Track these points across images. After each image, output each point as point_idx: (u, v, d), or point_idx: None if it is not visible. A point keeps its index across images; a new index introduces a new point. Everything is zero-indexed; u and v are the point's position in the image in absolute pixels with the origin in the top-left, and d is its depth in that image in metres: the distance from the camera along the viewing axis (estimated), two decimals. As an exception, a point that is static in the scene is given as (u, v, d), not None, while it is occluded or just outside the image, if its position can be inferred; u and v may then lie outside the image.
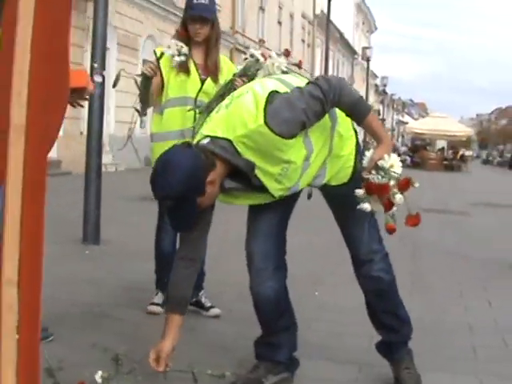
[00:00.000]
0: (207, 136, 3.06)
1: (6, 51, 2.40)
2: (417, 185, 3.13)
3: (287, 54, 3.61)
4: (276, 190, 3.15)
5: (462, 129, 43.74)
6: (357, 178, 3.19)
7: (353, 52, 57.25)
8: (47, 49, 2.35)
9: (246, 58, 3.59)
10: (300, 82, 3.23)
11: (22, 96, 2.38)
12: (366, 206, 3.08)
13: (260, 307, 3.43)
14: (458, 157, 40.45)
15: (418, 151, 40.76)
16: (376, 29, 73.96)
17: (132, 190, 12.77)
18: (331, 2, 24.17)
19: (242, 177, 3.10)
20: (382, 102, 71.29)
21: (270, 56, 3.52)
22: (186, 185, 2.89)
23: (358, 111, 3.13)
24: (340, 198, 3.36)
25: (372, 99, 57.58)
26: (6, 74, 2.40)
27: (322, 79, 3.11)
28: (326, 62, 25.34)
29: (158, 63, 4.40)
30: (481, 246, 8.77)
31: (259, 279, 3.37)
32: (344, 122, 3.29)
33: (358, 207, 3.09)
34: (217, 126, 3.06)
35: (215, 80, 4.41)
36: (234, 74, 3.79)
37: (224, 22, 27.86)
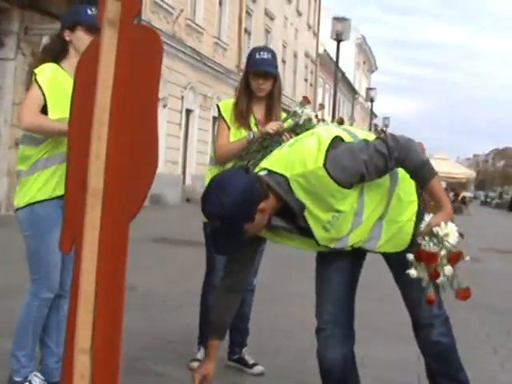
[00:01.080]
0: (265, 169, 3.07)
1: (85, 111, 2.34)
2: (467, 258, 3.08)
3: (342, 121, 3.61)
4: (322, 237, 3.12)
5: (462, 170, 43.82)
6: (416, 245, 3.14)
7: (354, 91, 57.53)
8: (131, 112, 2.30)
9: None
10: (367, 135, 3.23)
11: (100, 160, 2.32)
12: (413, 272, 3.08)
13: (326, 371, 3.38)
14: (460, 199, 40.40)
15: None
16: (376, 68, 74.44)
17: (141, 231, 12.47)
18: (336, 43, 24.25)
19: (290, 217, 3.08)
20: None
21: (323, 120, 3.52)
22: (237, 206, 2.84)
23: (422, 174, 3.10)
24: (400, 264, 3.25)
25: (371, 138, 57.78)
26: (84, 137, 2.34)
27: (390, 136, 3.09)
28: (334, 101, 25.48)
29: (223, 117, 4.34)
30: (505, 297, 8.66)
31: (327, 344, 3.33)
32: (407, 187, 3.23)
33: (406, 272, 3.07)
34: (276, 161, 3.08)
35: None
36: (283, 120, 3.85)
37: (230, 61, 27.98)
